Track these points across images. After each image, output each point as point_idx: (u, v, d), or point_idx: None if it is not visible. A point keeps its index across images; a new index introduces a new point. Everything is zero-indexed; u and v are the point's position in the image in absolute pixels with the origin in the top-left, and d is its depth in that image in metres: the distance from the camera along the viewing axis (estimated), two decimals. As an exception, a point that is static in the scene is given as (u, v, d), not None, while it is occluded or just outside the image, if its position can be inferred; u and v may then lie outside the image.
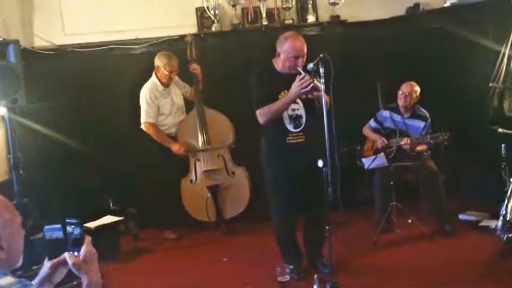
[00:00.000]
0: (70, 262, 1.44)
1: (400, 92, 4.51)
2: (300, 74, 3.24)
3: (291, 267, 3.46)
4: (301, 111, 3.41)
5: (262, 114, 3.40)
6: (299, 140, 3.42)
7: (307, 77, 3.17)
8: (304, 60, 3.28)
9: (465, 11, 5.00)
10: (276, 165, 3.52)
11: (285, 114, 3.42)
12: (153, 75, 4.67)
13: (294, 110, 3.42)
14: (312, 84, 3.17)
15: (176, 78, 4.78)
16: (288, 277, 3.21)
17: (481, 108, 4.84)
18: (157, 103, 4.64)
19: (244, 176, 4.77)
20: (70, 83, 4.97)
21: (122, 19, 5.12)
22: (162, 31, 5.11)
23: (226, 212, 4.74)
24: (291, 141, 3.43)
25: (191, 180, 4.76)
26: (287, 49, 3.32)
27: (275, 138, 3.49)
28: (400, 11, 5.37)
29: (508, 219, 3.53)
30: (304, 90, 3.21)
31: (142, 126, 4.63)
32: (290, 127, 3.43)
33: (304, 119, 3.40)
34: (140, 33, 5.11)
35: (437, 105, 4.68)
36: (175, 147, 4.60)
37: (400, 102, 4.52)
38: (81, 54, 5.02)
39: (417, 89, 4.49)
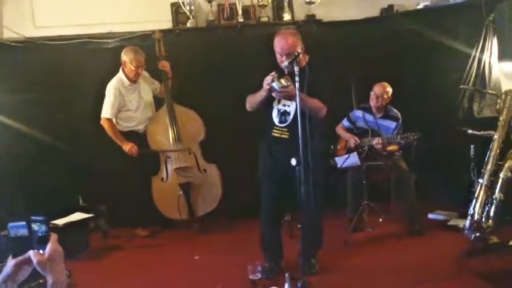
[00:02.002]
0: (34, 260, 1.39)
1: (372, 93, 4.56)
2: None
3: (266, 264, 3.48)
4: (291, 109, 3.42)
5: (246, 101, 3.55)
6: (283, 136, 3.45)
7: (269, 77, 3.23)
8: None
9: (437, 13, 5.08)
10: (264, 157, 3.60)
11: (275, 108, 3.48)
12: (120, 70, 4.60)
13: (284, 105, 3.46)
14: (267, 86, 3.24)
15: (145, 73, 4.73)
16: (259, 275, 3.22)
17: (451, 110, 4.93)
18: (122, 99, 4.57)
19: (216, 173, 4.74)
20: (40, 77, 4.88)
21: (95, 12, 5.04)
22: (136, 26, 5.04)
23: (198, 209, 4.70)
24: (275, 134, 3.48)
25: (162, 178, 4.71)
26: (274, 46, 3.36)
27: (265, 129, 3.56)
28: (375, 12, 5.42)
29: (475, 218, 3.60)
30: (266, 87, 3.27)
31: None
32: (276, 120, 3.48)
33: (291, 116, 3.42)
34: (113, 27, 5.04)
35: (409, 106, 4.75)
36: (127, 147, 4.53)
37: (372, 102, 4.57)
38: (52, 48, 4.91)
39: (389, 89, 4.55)
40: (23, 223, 1.44)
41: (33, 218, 1.41)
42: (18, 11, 4.97)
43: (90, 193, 4.74)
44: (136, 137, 4.64)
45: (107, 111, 4.54)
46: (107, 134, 4.56)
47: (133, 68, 4.51)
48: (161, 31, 4.83)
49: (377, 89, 4.55)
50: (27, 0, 5.00)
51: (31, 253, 1.42)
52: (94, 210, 4.56)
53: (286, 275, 3.01)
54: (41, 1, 5.02)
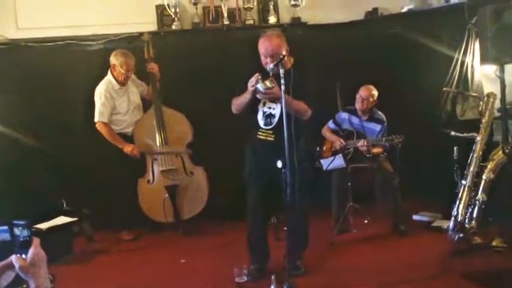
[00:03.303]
0: (16, 265, 1.38)
1: (358, 96, 4.59)
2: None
3: (251, 267, 3.48)
4: (276, 111, 3.42)
5: (232, 104, 3.54)
6: (268, 138, 3.45)
7: (253, 78, 3.23)
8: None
9: (421, 17, 5.14)
10: (250, 159, 3.60)
11: (260, 110, 3.49)
12: (109, 73, 4.56)
13: (269, 108, 3.46)
14: (252, 88, 3.25)
15: (133, 76, 4.69)
16: (245, 278, 3.23)
17: (434, 112, 4.98)
18: (113, 102, 4.53)
19: (203, 175, 4.73)
20: (23, 79, 4.82)
21: (79, 14, 4.98)
22: (121, 28, 5.01)
23: (184, 212, 4.68)
24: (260, 136, 3.48)
25: (148, 181, 4.68)
26: (259, 47, 3.37)
27: (251, 131, 3.57)
28: (360, 15, 5.46)
29: (459, 220, 3.65)
30: (250, 89, 3.27)
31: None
32: (261, 123, 3.48)
33: (276, 119, 3.42)
34: (98, 29, 4.99)
35: (393, 108, 4.78)
36: (128, 149, 4.50)
37: (358, 105, 4.60)
38: (35, 50, 4.86)
39: (375, 93, 4.58)
40: (5, 227, 1.42)
41: (15, 222, 1.39)
42: (1, 12, 4.90)
43: (75, 196, 4.68)
44: (125, 139, 4.59)
45: (101, 115, 4.48)
46: (92, 137, 4.52)
47: (124, 72, 4.47)
48: (151, 32, 4.80)
49: (363, 92, 4.57)
50: (10, 2, 4.92)
51: (13, 258, 1.40)
52: (78, 214, 4.51)
53: (272, 277, 3.02)
54: (24, 2, 4.95)
